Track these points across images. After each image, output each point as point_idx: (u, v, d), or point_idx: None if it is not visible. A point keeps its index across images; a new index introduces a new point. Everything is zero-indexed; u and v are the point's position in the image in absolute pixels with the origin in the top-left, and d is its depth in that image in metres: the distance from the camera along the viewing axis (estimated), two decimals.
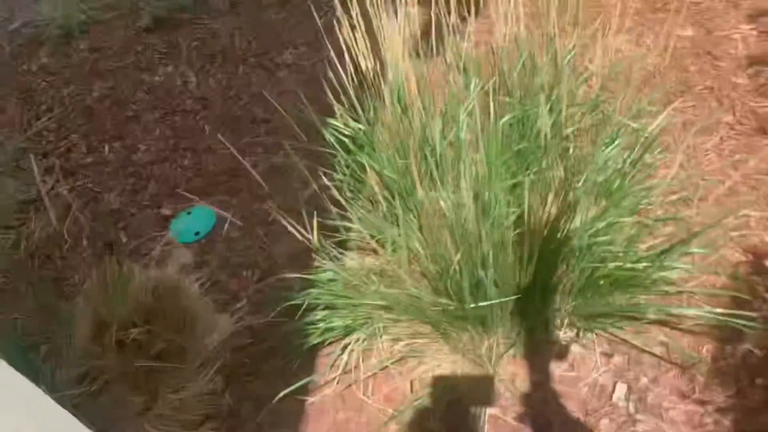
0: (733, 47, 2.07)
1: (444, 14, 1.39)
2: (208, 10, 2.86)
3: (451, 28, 1.39)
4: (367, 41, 1.36)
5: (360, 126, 1.41)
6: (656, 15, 2.21)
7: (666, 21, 2.14)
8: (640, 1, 2.24)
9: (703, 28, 2.15)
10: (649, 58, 2.00)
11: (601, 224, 1.23)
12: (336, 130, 1.49)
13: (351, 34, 1.34)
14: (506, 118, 1.28)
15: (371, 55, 1.37)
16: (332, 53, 1.37)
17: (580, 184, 1.23)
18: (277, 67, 2.49)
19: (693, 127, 1.80)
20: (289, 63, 2.49)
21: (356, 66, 1.40)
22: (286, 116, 1.64)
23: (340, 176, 1.43)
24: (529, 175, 1.26)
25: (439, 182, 1.22)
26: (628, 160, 1.31)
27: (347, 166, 1.43)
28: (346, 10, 1.35)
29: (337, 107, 1.52)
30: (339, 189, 1.46)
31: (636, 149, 1.32)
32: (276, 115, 2.23)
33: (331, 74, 1.42)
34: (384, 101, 1.41)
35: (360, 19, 1.33)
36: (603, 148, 1.28)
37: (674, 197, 1.50)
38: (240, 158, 1.85)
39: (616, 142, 1.32)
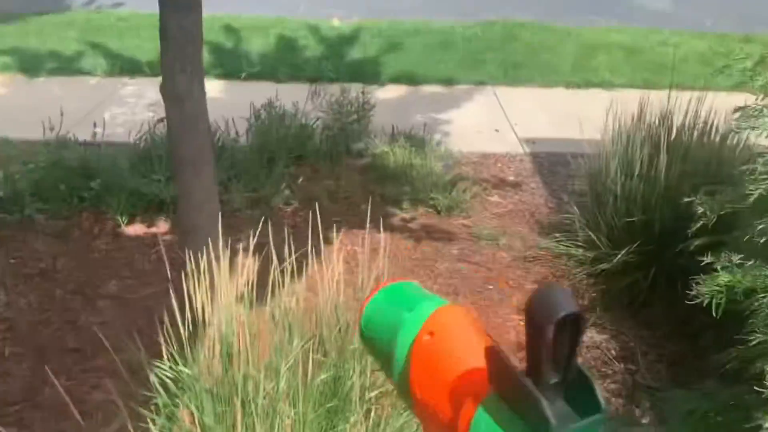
0: (506, 332, 2.50)
1: (276, 270, 1.60)
2: (36, 228, 2.87)
3: (281, 283, 1.59)
4: (199, 283, 1.51)
5: (184, 369, 1.49)
6: (451, 298, 2.64)
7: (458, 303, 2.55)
8: (440, 284, 2.66)
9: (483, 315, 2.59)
10: None
11: None
12: (159, 369, 1.55)
13: (187, 276, 1.48)
14: (322, 377, 1.45)
15: (203, 297, 1.51)
16: (161, 289, 1.48)
17: None
18: (99, 296, 2.51)
19: None
20: (113, 294, 2.52)
21: (186, 305, 1.52)
22: (100, 347, 1.66)
23: (156, 418, 1.46)
24: None
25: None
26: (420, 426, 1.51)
27: (166, 407, 1.47)
28: (183, 250, 1.51)
29: (160, 345, 1.59)
30: None
31: None
32: (89, 345, 2.21)
33: (158, 310, 1.52)
34: (212, 346, 1.53)
35: (198, 261, 1.49)
36: (400, 412, 1.48)
37: None
38: (38, 386, 1.79)
39: None
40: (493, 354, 0.38)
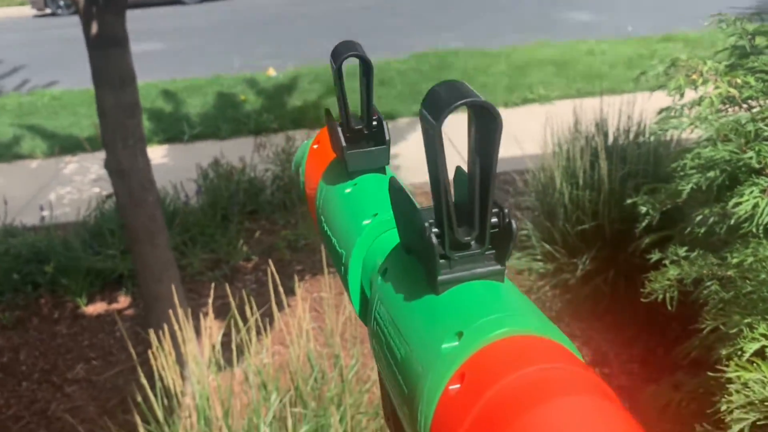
0: None
1: (242, 330, 1.60)
2: None
3: (248, 342, 1.59)
4: (166, 356, 1.49)
5: None
6: None
7: None
8: None
9: None
10: None
11: None
12: None
13: (156, 350, 1.47)
14: (303, 429, 1.45)
15: (171, 371, 1.50)
16: (128, 366, 1.47)
17: None
18: (67, 382, 2.44)
19: None
20: (81, 378, 2.46)
21: (158, 381, 1.51)
22: None
23: None
24: None
25: None
26: None
27: None
28: (147, 322, 1.50)
29: (136, 425, 1.57)
30: None
31: None
32: None
33: (128, 389, 1.50)
34: (188, 417, 1.51)
35: (162, 334, 1.48)
36: None
37: None
38: None
39: None
40: (327, 118, 0.41)
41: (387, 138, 0.39)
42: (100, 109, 1.89)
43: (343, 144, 0.38)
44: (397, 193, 0.29)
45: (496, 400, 0.21)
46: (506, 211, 0.27)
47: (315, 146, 0.45)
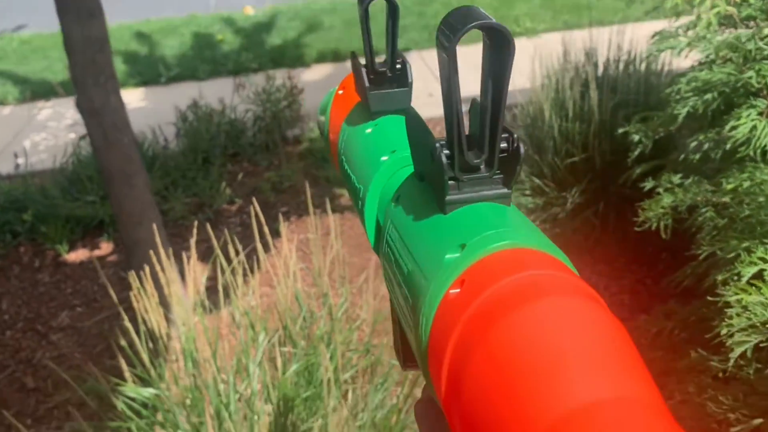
0: None
1: (228, 273, 1.56)
2: None
3: (234, 284, 1.55)
4: (151, 298, 1.45)
5: (152, 390, 1.44)
6: None
7: None
8: None
9: None
10: None
11: None
12: (124, 394, 1.49)
13: (137, 293, 1.43)
14: (293, 368, 1.42)
15: (156, 313, 1.46)
16: (113, 312, 1.43)
17: (363, 422, 1.37)
18: (52, 330, 2.41)
19: None
20: (66, 326, 2.42)
21: (142, 324, 1.47)
22: (61, 382, 1.60)
23: None
24: (317, 420, 1.38)
25: None
26: (401, 396, 1.50)
27: (139, 430, 1.42)
28: (129, 267, 1.45)
29: (122, 370, 1.54)
30: None
31: (405, 385, 1.53)
32: (50, 382, 2.12)
33: (113, 334, 1.47)
34: (175, 360, 1.48)
35: (144, 276, 1.44)
36: (378, 387, 1.47)
37: None
38: None
39: (388, 381, 1.52)
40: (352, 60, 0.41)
41: (410, 80, 0.40)
42: (67, 44, 1.79)
43: (367, 85, 0.39)
44: (413, 118, 0.31)
45: (491, 300, 0.22)
46: (515, 136, 0.28)
47: (340, 92, 0.46)
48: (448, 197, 0.28)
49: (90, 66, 1.80)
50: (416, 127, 0.30)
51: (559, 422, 0.18)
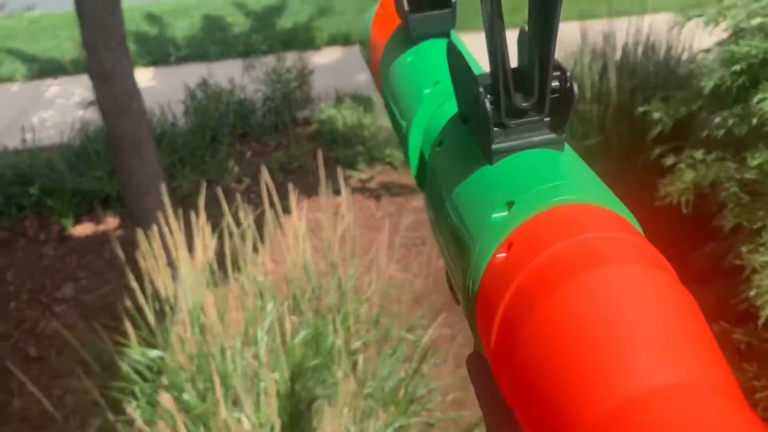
0: None
1: (238, 245, 1.53)
2: None
3: (244, 257, 1.52)
4: (160, 269, 1.43)
5: (158, 353, 1.41)
6: (418, 248, 2.60)
7: (426, 253, 2.51)
8: (406, 238, 2.62)
9: None
10: (416, 282, 2.30)
11: (390, 430, 1.33)
12: (130, 357, 1.47)
13: (143, 262, 1.40)
14: (301, 335, 1.39)
15: (163, 276, 1.43)
16: (119, 285, 1.40)
17: (370, 392, 1.34)
18: (56, 301, 2.38)
19: (458, 337, 2.06)
20: (70, 297, 2.40)
21: (149, 293, 1.44)
22: (65, 349, 1.57)
23: (137, 404, 1.38)
24: (325, 389, 1.35)
25: (241, 403, 1.25)
26: (410, 370, 1.47)
27: (144, 393, 1.39)
28: (136, 240, 1.42)
29: (130, 334, 1.51)
30: (131, 422, 1.39)
31: (414, 359, 1.50)
32: (53, 350, 2.10)
33: (122, 302, 1.44)
34: (182, 324, 1.45)
35: (152, 247, 1.41)
36: (386, 359, 1.44)
37: (450, 397, 1.68)
38: (4, 400, 1.69)
39: (397, 353, 1.48)
40: None
41: (453, 0, 0.37)
42: (79, 7, 1.76)
43: (407, 8, 0.36)
44: (454, 57, 0.27)
45: (541, 268, 0.20)
46: (568, 74, 0.25)
47: (380, 11, 0.44)
48: (494, 146, 0.25)
49: (102, 30, 1.77)
50: (458, 65, 0.27)
51: (624, 406, 0.16)
